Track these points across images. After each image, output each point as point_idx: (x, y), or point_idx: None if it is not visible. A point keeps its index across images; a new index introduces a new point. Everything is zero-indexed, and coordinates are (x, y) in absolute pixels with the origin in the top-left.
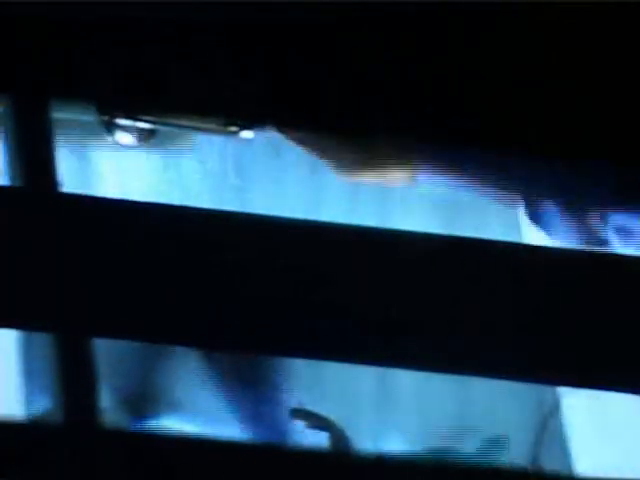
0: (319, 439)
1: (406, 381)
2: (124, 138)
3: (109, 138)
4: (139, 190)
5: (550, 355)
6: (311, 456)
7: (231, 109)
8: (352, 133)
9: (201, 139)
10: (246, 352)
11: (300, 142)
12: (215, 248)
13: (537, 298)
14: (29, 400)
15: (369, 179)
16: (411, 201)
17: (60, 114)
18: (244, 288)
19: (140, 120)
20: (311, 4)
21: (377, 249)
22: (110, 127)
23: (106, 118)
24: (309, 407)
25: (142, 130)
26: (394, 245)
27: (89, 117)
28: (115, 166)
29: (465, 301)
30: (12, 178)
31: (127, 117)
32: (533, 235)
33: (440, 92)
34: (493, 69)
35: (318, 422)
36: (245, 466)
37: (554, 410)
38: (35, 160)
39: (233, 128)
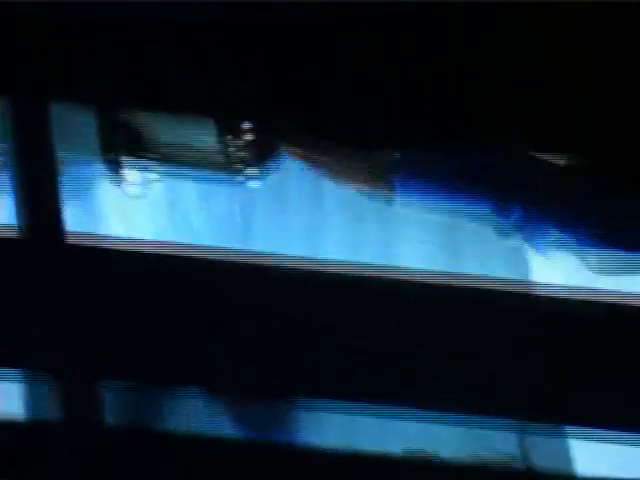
0: None
1: None
2: (130, 184)
3: (115, 184)
4: (144, 235)
5: (550, 398)
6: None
7: (230, 110)
8: (350, 133)
9: (207, 185)
10: (250, 396)
11: (303, 157)
12: (220, 292)
13: (538, 342)
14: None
15: (366, 187)
16: (413, 242)
17: (67, 161)
18: (248, 331)
19: (146, 166)
20: (311, 4)
21: (379, 293)
22: (116, 173)
23: (113, 164)
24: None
25: (148, 176)
26: (396, 288)
27: (96, 163)
28: (121, 212)
29: (465, 344)
30: (18, 225)
31: (133, 163)
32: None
33: (438, 94)
34: (492, 70)
35: None
36: (245, 465)
37: None
38: (41, 205)
39: (240, 176)
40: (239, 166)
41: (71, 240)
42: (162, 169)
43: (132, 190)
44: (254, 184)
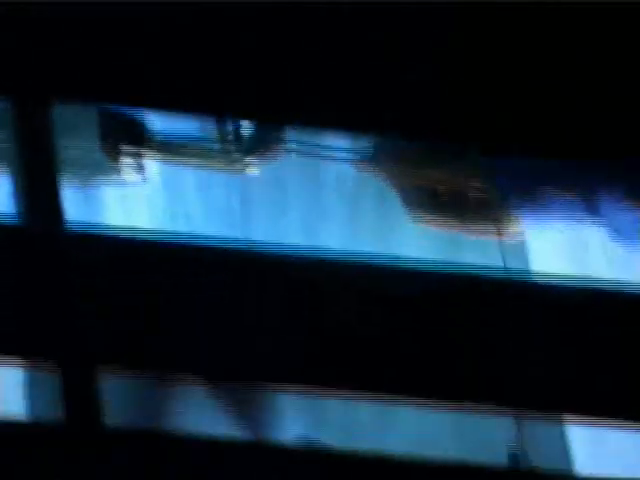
0: None
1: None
2: (130, 175)
3: (115, 175)
4: (145, 225)
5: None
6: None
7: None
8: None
9: (206, 174)
10: (248, 382)
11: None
12: (218, 282)
13: (541, 335)
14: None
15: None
16: (410, 231)
17: (66, 153)
18: (243, 319)
19: (145, 157)
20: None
21: (376, 281)
22: (116, 164)
23: (112, 156)
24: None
25: (147, 167)
26: (394, 279)
27: (95, 155)
28: (121, 202)
29: (466, 339)
30: (18, 216)
31: (133, 154)
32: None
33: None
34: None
35: None
36: (243, 465)
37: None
38: (41, 194)
39: (239, 165)
40: (238, 155)
41: (70, 228)
42: (161, 159)
43: (131, 179)
44: (253, 173)
